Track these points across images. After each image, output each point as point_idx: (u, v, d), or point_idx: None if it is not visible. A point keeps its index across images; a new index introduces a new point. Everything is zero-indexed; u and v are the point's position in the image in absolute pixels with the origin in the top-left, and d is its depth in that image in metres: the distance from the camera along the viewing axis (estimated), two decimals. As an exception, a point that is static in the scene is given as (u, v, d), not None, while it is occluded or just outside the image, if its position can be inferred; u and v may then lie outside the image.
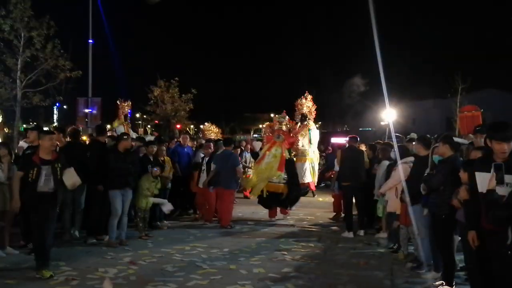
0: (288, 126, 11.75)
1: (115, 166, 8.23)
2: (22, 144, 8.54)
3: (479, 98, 27.03)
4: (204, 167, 10.73)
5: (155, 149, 9.77)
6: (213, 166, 10.53)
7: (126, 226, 8.61)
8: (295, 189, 11.15)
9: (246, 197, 14.32)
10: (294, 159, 11.50)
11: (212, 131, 17.92)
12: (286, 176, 11.01)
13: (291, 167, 11.21)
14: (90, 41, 24.38)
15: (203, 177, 10.65)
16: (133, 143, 9.60)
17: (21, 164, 6.88)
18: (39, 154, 6.60)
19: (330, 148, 17.47)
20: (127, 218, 8.61)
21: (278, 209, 11.52)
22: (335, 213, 11.82)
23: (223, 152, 10.74)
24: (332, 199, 12.28)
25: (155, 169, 9.19)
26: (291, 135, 11.62)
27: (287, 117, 11.97)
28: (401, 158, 7.96)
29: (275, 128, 11.67)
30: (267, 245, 8.66)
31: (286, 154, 11.15)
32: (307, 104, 12.49)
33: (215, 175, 10.45)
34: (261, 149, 12.71)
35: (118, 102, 16.67)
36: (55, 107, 39.63)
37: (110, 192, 8.27)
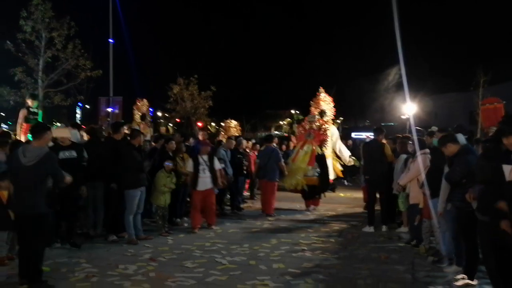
0: (318, 124, 12.54)
1: (132, 163, 8.31)
2: None
3: (502, 90, 26.53)
4: (204, 166, 9.52)
5: (174, 145, 9.87)
6: (257, 161, 12.31)
7: (140, 223, 8.73)
8: (325, 181, 12.21)
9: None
10: (325, 154, 12.26)
11: (233, 127, 17.92)
12: (318, 170, 11.95)
13: (323, 161, 12.11)
14: (111, 40, 24.60)
15: (205, 177, 9.53)
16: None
17: None
18: None
19: (350, 142, 17.37)
20: (141, 215, 8.72)
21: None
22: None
23: (266, 148, 12.08)
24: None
25: (167, 163, 9.24)
26: (321, 132, 12.37)
27: (316, 116, 12.81)
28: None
29: (306, 127, 12.57)
30: (287, 240, 8.61)
31: (317, 150, 12.06)
32: (325, 100, 12.82)
33: (259, 169, 11.95)
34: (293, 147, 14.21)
35: (137, 101, 16.82)
36: (77, 107, 40.10)
37: (127, 190, 8.34)
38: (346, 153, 13.34)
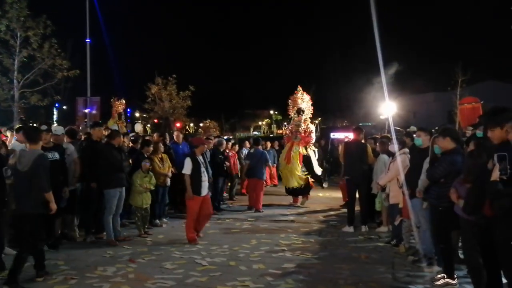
0: (303, 127, 13.25)
1: (112, 163, 8.22)
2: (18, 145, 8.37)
3: (480, 90, 26.90)
4: (203, 168, 8.74)
5: (151, 149, 9.75)
6: (246, 162, 12.98)
7: (119, 223, 8.67)
8: (308, 182, 13.14)
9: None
10: (310, 155, 13.19)
11: (213, 128, 17.94)
12: (304, 169, 13.05)
13: (308, 162, 13.10)
14: (88, 40, 24.31)
15: (205, 180, 8.76)
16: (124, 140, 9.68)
17: None
18: None
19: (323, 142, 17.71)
20: (119, 216, 8.66)
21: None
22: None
23: (256, 150, 12.88)
24: (332, 195, 13.68)
25: (144, 162, 9.16)
26: (306, 135, 13.20)
27: (302, 119, 13.37)
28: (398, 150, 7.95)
29: (293, 130, 13.33)
30: (267, 241, 8.59)
31: (303, 151, 13.07)
32: (303, 98, 13.15)
33: (249, 169, 12.66)
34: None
35: (112, 100, 16.61)
36: (54, 108, 39.53)
37: (107, 190, 8.24)
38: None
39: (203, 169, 8.64)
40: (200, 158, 8.72)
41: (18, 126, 9.36)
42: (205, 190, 8.63)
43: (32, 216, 6.13)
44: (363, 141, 10.45)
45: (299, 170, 12.92)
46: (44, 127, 8.15)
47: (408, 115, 37.08)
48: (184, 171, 8.57)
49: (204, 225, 8.95)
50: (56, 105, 35.11)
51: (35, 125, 9.93)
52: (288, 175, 12.98)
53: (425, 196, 6.47)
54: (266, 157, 13.10)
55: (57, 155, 7.70)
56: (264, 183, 13.39)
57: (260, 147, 13.35)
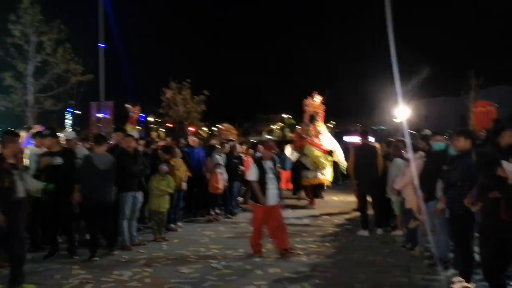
0: (313, 132, 13.48)
1: (128, 168, 8.25)
2: (33, 148, 8.45)
3: (492, 94, 26.73)
4: (271, 175, 8.03)
5: (168, 156, 9.76)
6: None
7: (135, 228, 8.68)
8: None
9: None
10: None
11: (231, 131, 17.91)
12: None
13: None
14: (101, 45, 24.43)
15: (273, 188, 8.01)
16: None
17: None
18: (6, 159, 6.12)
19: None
20: (135, 221, 8.67)
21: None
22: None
23: None
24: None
25: (162, 166, 9.17)
26: (316, 140, 13.43)
27: (310, 125, 13.64)
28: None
29: (303, 135, 13.58)
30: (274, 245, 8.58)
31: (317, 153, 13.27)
32: (313, 104, 13.18)
33: None
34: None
35: (126, 106, 16.64)
36: (66, 112, 39.78)
37: (121, 194, 8.26)
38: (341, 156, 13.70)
39: (270, 176, 7.92)
40: (268, 163, 8.02)
41: (35, 131, 9.39)
42: (272, 198, 7.87)
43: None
44: (376, 144, 10.41)
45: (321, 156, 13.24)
46: (46, 132, 8.22)
47: (420, 119, 36.88)
48: (249, 178, 8.15)
49: (283, 238, 7.91)
50: (69, 109, 35.33)
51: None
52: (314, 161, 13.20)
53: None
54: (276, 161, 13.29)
55: (59, 160, 7.65)
56: None
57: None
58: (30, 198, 7.36)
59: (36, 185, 6.98)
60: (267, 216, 7.83)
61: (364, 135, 10.47)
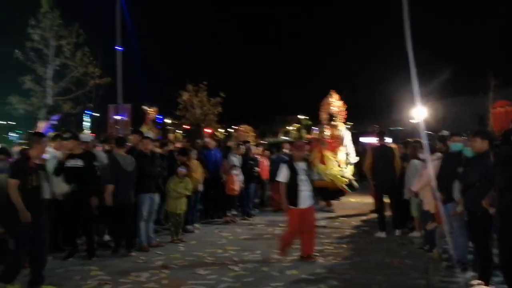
0: (329, 133, 13.40)
1: (145, 169, 8.32)
2: (52, 151, 8.56)
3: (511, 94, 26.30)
4: (303, 176, 7.67)
5: (185, 158, 9.83)
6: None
7: (153, 230, 8.74)
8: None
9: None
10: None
11: (249, 133, 17.93)
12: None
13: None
14: (119, 48, 24.62)
15: (306, 190, 7.66)
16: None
17: (16, 170, 6.10)
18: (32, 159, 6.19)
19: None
20: (152, 223, 8.74)
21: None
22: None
23: (277, 156, 13.62)
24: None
25: (180, 168, 9.21)
26: (333, 140, 13.30)
27: (327, 126, 13.55)
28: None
29: (318, 136, 13.65)
30: (299, 246, 8.54)
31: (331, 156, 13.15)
32: (335, 103, 12.99)
33: (272, 174, 12.50)
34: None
35: (143, 107, 16.76)
36: (84, 115, 40.20)
37: (139, 196, 8.33)
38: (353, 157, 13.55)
39: (302, 177, 7.61)
40: (300, 165, 7.73)
41: (54, 134, 9.52)
42: (304, 201, 7.58)
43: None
44: (392, 145, 10.36)
45: (335, 168, 12.98)
46: (68, 134, 8.34)
47: (438, 119, 36.48)
48: (279, 179, 7.80)
49: (310, 244, 7.76)
50: (87, 112, 35.69)
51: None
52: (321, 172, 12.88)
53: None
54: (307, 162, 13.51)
55: (79, 163, 7.71)
56: None
57: (280, 153, 13.96)
58: (51, 199, 7.52)
59: (62, 188, 7.11)
60: (301, 219, 7.55)
61: (381, 136, 10.43)
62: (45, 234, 6.29)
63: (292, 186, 7.55)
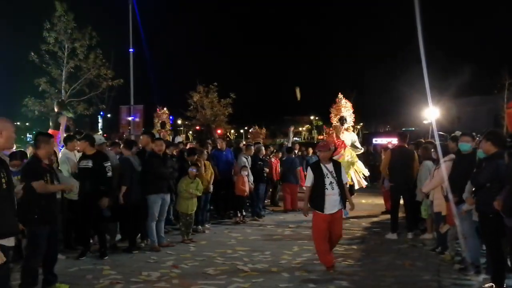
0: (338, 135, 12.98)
1: (157, 170, 8.38)
2: (65, 152, 8.66)
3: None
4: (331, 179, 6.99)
5: (195, 158, 9.87)
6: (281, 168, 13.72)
7: (163, 230, 8.80)
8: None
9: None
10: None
11: (261, 134, 18.00)
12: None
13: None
14: (131, 49, 24.81)
15: (333, 194, 6.98)
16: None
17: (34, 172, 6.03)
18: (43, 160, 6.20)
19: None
20: (163, 223, 8.80)
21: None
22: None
23: (287, 158, 13.85)
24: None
25: (191, 169, 9.26)
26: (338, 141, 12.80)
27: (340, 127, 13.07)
28: (443, 157, 7.75)
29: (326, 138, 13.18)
30: (309, 247, 8.50)
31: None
32: (345, 106, 12.96)
33: (282, 175, 13.61)
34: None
35: (157, 109, 16.93)
36: (99, 116, 40.55)
37: (148, 196, 8.39)
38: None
39: (329, 180, 6.95)
40: (327, 167, 7.05)
41: (67, 135, 9.62)
42: (332, 206, 6.92)
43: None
44: (407, 146, 10.29)
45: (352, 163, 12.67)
46: (80, 135, 8.49)
47: (453, 119, 36.23)
48: (305, 184, 7.37)
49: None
50: (101, 113, 36.06)
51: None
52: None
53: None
54: (296, 164, 13.85)
55: (90, 163, 7.73)
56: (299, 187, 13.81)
57: (292, 154, 14.12)
58: (64, 199, 7.60)
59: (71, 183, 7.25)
60: (327, 226, 6.95)
61: (403, 137, 10.32)
62: (57, 234, 6.38)
63: (318, 189, 6.95)
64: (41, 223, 5.88)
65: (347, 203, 7.19)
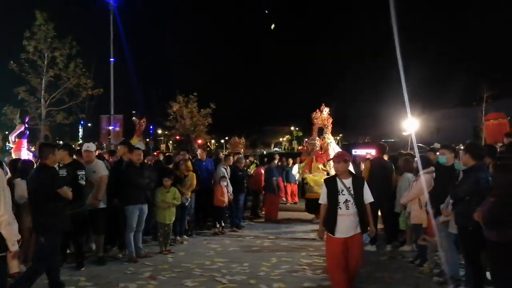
0: (318, 145, 13.36)
1: (134, 180, 8.28)
2: None
3: (505, 106, 26.46)
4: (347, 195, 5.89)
5: (182, 167, 9.89)
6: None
7: (140, 240, 8.70)
8: None
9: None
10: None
11: (240, 144, 18.03)
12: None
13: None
14: (111, 59, 24.69)
15: (348, 214, 5.85)
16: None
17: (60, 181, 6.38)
18: None
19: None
20: (141, 233, 8.70)
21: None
22: None
23: (267, 167, 14.02)
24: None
25: (165, 178, 9.20)
26: (322, 153, 13.19)
27: (317, 138, 13.54)
28: (423, 169, 7.77)
29: (309, 149, 13.62)
30: (288, 259, 8.51)
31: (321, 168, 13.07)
32: (321, 117, 13.15)
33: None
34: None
35: (133, 119, 16.82)
36: (80, 125, 40.27)
37: (127, 207, 8.31)
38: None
39: (344, 197, 5.86)
40: (344, 182, 5.95)
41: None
42: (346, 228, 5.82)
43: None
44: (386, 157, 10.32)
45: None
46: (59, 145, 8.45)
47: (432, 131, 36.63)
48: (321, 202, 6.12)
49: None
50: (82, 122, 35.80)
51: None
52: (313, 184, 12.80)
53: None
54: (273, 174, 13.79)
55: (64, 172, 7.43)
56: (281, 198, 14.13)
57: (271, 164, 14.21)
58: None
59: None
60: (341, 252, 5.79)
61: (382, 149, 10.33)
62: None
63: (330, 208, 5.92)
64: (57, 232, 6.18)
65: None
